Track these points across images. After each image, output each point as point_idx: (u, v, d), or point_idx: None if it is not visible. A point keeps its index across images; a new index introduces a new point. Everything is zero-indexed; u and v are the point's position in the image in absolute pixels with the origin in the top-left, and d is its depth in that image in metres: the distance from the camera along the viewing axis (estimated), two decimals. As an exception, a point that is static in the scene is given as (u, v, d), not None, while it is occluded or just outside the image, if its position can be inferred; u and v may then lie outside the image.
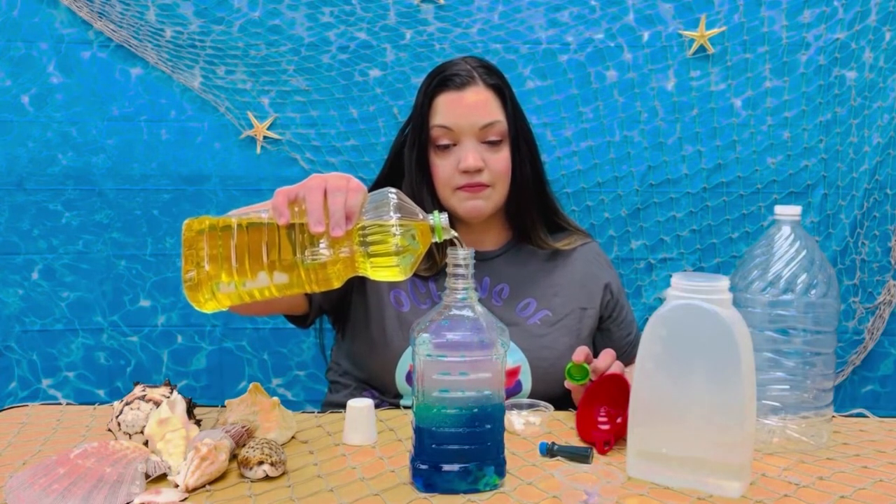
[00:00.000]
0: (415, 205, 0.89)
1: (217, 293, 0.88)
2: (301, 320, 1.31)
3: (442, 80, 1.23)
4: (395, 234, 0.86)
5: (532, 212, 1.31)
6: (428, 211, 0.90)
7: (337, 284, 0.89)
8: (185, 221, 0.90)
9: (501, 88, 1.25)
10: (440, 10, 1.70)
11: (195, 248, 0.88)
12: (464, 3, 1.70)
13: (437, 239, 0.88)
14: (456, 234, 0.89)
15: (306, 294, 1.24)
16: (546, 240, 1.33)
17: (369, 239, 0.86)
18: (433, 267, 1.27)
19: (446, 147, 1.23)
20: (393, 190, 0.89)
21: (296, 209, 0.89)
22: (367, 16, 1.69)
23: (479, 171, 1.22)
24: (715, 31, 1.70)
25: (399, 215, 0.86)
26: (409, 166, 1.27)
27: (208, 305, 0.90)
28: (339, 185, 0.88)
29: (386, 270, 0.87)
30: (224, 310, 0.92)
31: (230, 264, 0.88)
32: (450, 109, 1.23)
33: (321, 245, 0.87)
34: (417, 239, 0.87)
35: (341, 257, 0.87)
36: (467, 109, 1.22)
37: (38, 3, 1.68)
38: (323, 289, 0.89)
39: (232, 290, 0.88)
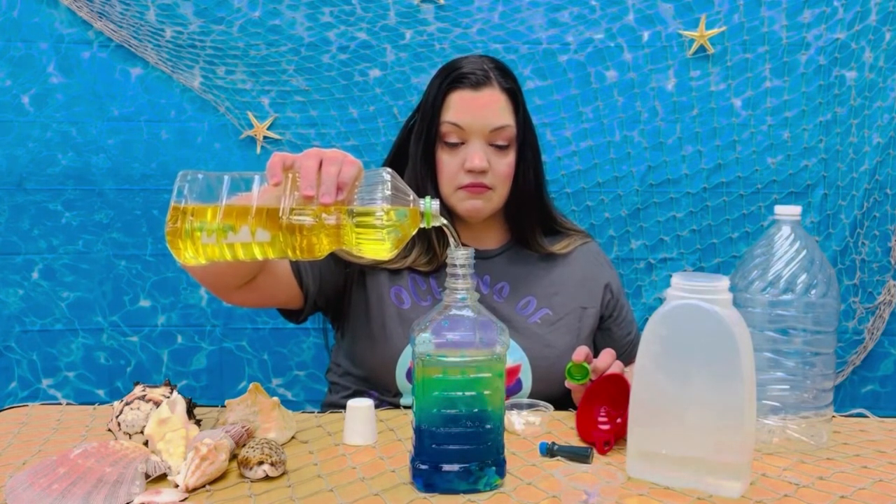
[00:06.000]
0: (408, 188, 0.89)
1: (198, 243, 0.88)
2: (296, 315, 1.31)
3: (458, 77, 1.23)
4: (384, 211, 0.85)
5: (531, 217, 1.31)
6: None
7: (320, 255, 0.88)
8: (181, 172, 0.90)
9: (515, 93, 1.26)
10: (440, 10, 1.70)
11: (184, 196, 0.88)
12: (464, 3, 1.70)
13: (425, 225, 0.88)
14: (445, 222, 0.89)
15: (301, 288, 1.25)
16: (543, 244, 1.33)
17: (357, 211, 0.86)
18: (433, 261, 1.27)
19: (454, 144, 1.24)
20: (388, 170, 0.89)
21: (289, 175, 0.88)
22: (367, 16, 1.69)
23: (483, 172, 1.22)
24: (715, 31, 1.70)
25: (391, 193, 0.86)
26: (413, 158, 1.27)
27: (188, 257, 0.88)
28: (335, 156, 0.88)
29: (371, 247, 0.87)
30: (203, 264, 0.90)
31: (216, 214, 0.87)
32: (463, 108, 1.23)
33: (308, 210, 0.87)
34: (406, 220, 0.87)
35: (327, 225, 0.86)
36: (481, 110, 1.22)
37: (38, 3, 1.68)
38: (306, 257, 0.88)
39: (213, 241, 0.87)
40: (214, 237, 0.87)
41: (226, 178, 0.89)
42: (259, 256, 0.89)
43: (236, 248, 0.88)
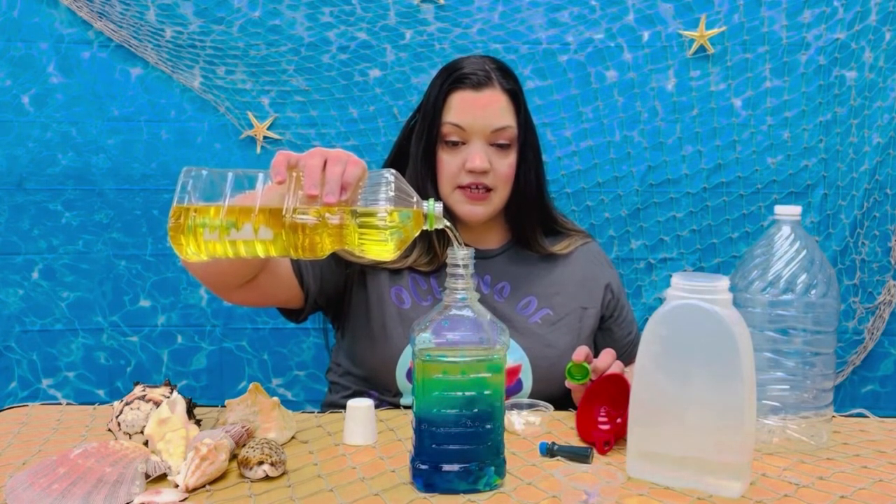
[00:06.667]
0: (412, 189, 0.89)
1: (200, 239, 0.88)
2: (296, 315, 1.31)
3: (459, 77, 1.23)
4: (388, 212, 0.85)
5: (531, 217, 1.31)
6: None
7: (322, 255, 0.88)
8: (185, 168, 0.90)
9: (517, 94, 1.26)
10: (440, 10, 1.70)
11: (187, 192, 0.89)
12: (464, 3, 1.70)
13: (428, 227, 0.88)
14: (448, 224, 0.89)
15: (302, 287, 1.25)
16: (544, 245, 1.33)
17: (361, 212, 0.86)
18: (434, 261, 1.27)
19: (455, 144, 1.24)
20: (392, 171, 0.89)
21: (293, 174, 0.89)
22: (367, 16, 1.69)
23: (484, 172, 1.22)
24: (715, 31, 1.70)
25: (394, 195, 0.86)
26: (414, 158, 1.27)
27: (190, 253, 0.88)
28: (339, 156, 0.88)
29: (374, 248, 0.87)
30: (204, 260, 0.90)
31: (219, 211, 0.87)
32: (464, 108, 1.23)
33: (311, 210, 0.87)
34: (410, 222, 0.87)
35: (330, 225, 0.86)
36: (482, 111, 1.22)
37: (38, 3, 1.68)
38: (308, 257, 0.88)
39: (215, 238, 0.87)
40: (217, 234, 0.87)
41: (230, 175, 0.90)
42: (261, 254, 0.89)
43: (238, 245, 0.88)
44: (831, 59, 1.71)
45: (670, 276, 0.90)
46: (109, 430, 1.00)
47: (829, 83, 1.72)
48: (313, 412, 1.16)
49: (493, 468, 0.86)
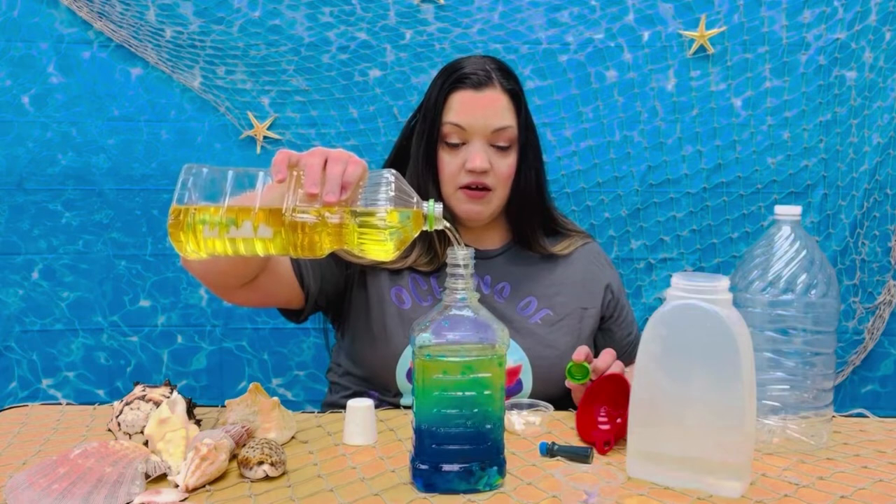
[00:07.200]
0: (412, 190, 0.89)
1: (200, 236, 0.88)
2: (296, 315, 1.31)
3: (459, 77, 1.23)
4: (387, 213, 0.85)
5: (532, 218, 1.31)
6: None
7: (321, 254, 0.88)
8: (186, 166, 0.91)
9: (518, 94, 1.26)
10: (440, 10, 1.70)
11: (188, 189, 0.89)
12: (464, 3, 1.70)
13: (427, 227, 0.88)
14: (448, 225, 0.89)
15: (302, 288, 1.25)
16: (544, 245, 1.33)
17: (361, 212, 0.86)
18: (434, 261, 1.27)
19: (455, 145, 1.24)
20: (392, 171, 0.89)
21: (294, 173, 0.89)
22: (367, 16, 1.69)
23: (484, 172, 1.22)
24: (715, 31, 1.70)
25: (395, 195, 0.87)
26: (415, 158, 1.27)
27: (189, 250, 0.88)
28: (340, 156, 0.88)
29: (374, 248, 0.87)
30: (203, 258, 0.90)
31: (219, 207, 0.87)
32: (464, 108, 1.23)
33: (311, 209, 0.87)
34: (409, 223, 0.87)
35: (330, 224, 0.86)
36: (482, 111, 1.22)
37: (38, 3, 1.68)
38: (307, 256, 0.88)
39: (215, 235, 0.87)
40: (216, 231, 0.87)
41: (230, 173, 0.90)
42: (260, 252, 0.89)
43: (238, 243, 0.88)
44: (831, 59, 1.71)
45: (670, 276, 0.90)
46: (109, 430, 1.00)
47: (829, 83, 1.72)
48: (313, 412, 1.16)
49: (493, 468, 0.86)
